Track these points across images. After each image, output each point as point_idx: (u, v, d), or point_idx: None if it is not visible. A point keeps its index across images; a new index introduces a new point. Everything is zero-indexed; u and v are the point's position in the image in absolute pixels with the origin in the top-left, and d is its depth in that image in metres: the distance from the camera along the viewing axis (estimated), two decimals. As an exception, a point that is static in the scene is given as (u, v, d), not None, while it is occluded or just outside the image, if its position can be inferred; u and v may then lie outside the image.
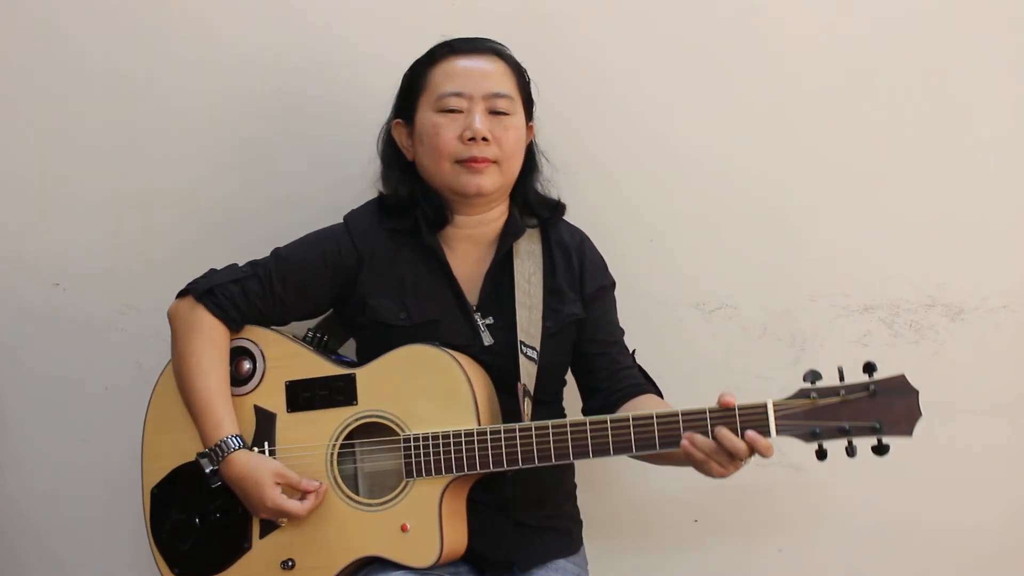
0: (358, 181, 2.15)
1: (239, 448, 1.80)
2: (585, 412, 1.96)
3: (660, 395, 1.94)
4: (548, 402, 1.94)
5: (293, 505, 1.78)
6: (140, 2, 2.28)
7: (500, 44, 1.93)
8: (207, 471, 1.80)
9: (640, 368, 1.97)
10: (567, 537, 1.96)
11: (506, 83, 1.89)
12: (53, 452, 2.32)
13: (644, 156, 2.25)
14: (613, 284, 2.00)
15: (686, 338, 2.26)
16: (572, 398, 2.01)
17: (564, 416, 1.99)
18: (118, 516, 2.27)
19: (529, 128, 1.95)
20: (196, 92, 2.27)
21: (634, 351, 1.99)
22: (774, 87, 2.23)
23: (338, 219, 1.95)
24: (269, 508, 1.78)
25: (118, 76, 2.28)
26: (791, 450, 2.26)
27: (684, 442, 1.66)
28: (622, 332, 2.00)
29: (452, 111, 1.86)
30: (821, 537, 2.27)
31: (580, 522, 2.01)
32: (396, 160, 1.95)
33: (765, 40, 2.23)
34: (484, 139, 1.84)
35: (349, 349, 2.01)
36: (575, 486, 2.01)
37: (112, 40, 2.28)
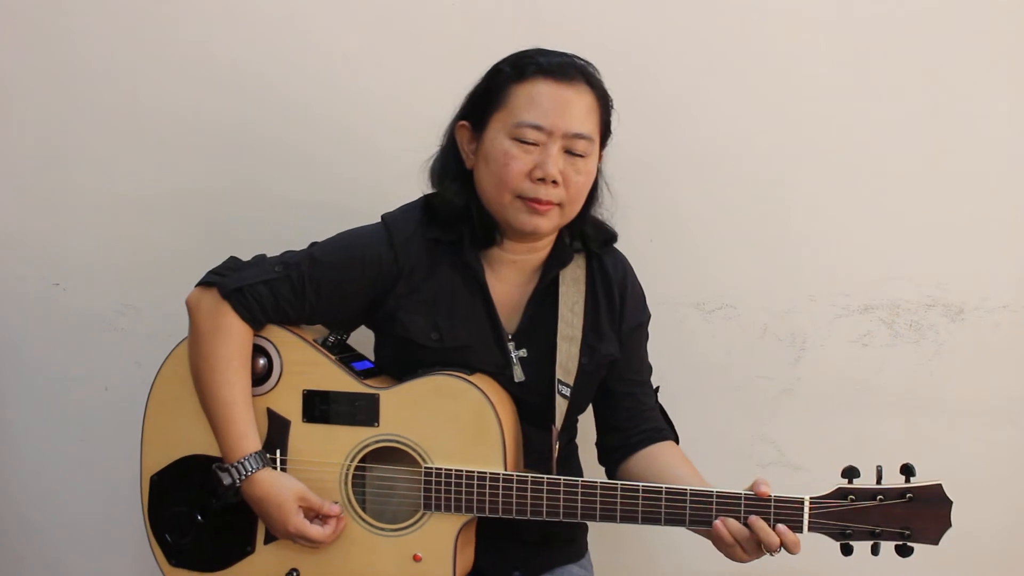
0: (361, 183, 2.16)
1: (262, 467, 1.74)
2: (600, 446, 1.94)
3: (677, 440, 1.91)
4: (565, 429, 1.88)
5: (316, 531, 1.72)
6: (143, 1, 2.28)
7: (591, 66, 1.77)
8: (225, 484, 1.74)
9: (662, 409, 1.93)
10: (572, 544, 1.95)
11: (589, 121, 1.74)
12: (53, 452, 2.32)
13: (644, 156, 2.25)
14: (649, 318, 1.94)
15: (686, 338, 2.26)
16: (582, 417, 2.01)
17: (576, 437, 1.97)
18: (118, 516, 2.27)
19: (599, 157, 1.83)
20: (196, 92, 2.27)
21: (657, 388, 1.95)
22: (774, 87, 2.23)
23: (343, 221, 1.88)
24: (291, 533, 1.73)
25: (119, 76, 2.27)
26: (792, 451, 2.28)
27: (717, 523, 1.64)
28: (650, 370, 1.94)
29: (527, 143, 1.71)
30: (821, 537, 2.27)
31: (585, 527, 1.99)
32: (455, 164, 1.81)
33: (765, 41, 2.23)
34: (554, 182, 1.72)
35: (364, 343, 2.00)
36: None
37: (112, 39, 2.27)
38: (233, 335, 1.76)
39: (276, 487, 1.74)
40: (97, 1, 2.27)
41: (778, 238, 2.25)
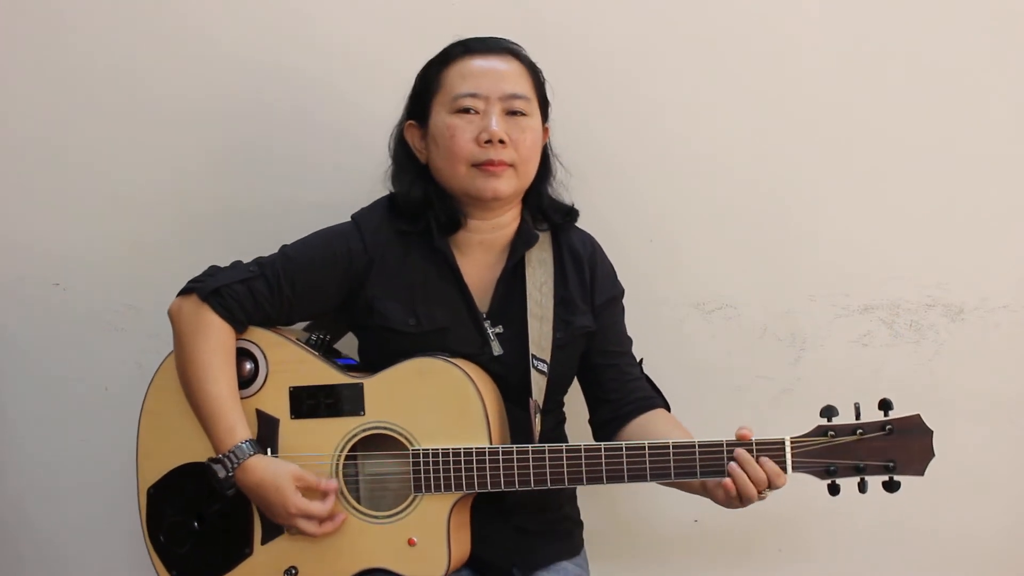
0: (361, 181, 2.15)
1: (254, 454, 1.76)
2: (592, 423, 1.95)
3: (668, 407, 1.94)
4: (551, 410, 1.91)
5: (316, 507, 1.74)
6: (146, 1, 2.28)
7: (515, 44, 1.88)
8: (220, 477, 1.74)
9: (648, 379, 1.96)
10: (568, 539, 1.95)
11: (522, 83, 1.84)
12: (53, 452, 2.32)
13: (644, 156, 2.25)
14: (622, 293, 1.98)
15: (686, 338, 2.26)
16: (572, 403, 2.01)
17: (564, 421, 1.98)
18: (118, 516, 2.27)
19: (545, 130, 1.91)
20: (197, 92, 2.27)
21: (641, 360, 1.98)
22: (774, 87, 2.23)
23: (341, 218, 1.92)
24: (292, 513, 1.73)
25: (119, 75, 2.27)
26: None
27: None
28: (630, 342, 1.98)
29: (468, 111, 1.80)
30: (821, 537, 2.27)
31: (581, 523, 2.01)
32: (409, 162, 1.90)
33: (765, 40, 2.23)
34: (501, 141, 1.79)
35: (347, 345, 2.01)
36: (575, 487, 2.01)
37: (112, 39, 2.27)
38: (214, 332, 1.79)
39: (271, 470, 1.75)
40: (95, 7, 2.27)
41: (778, 238, 2.25)
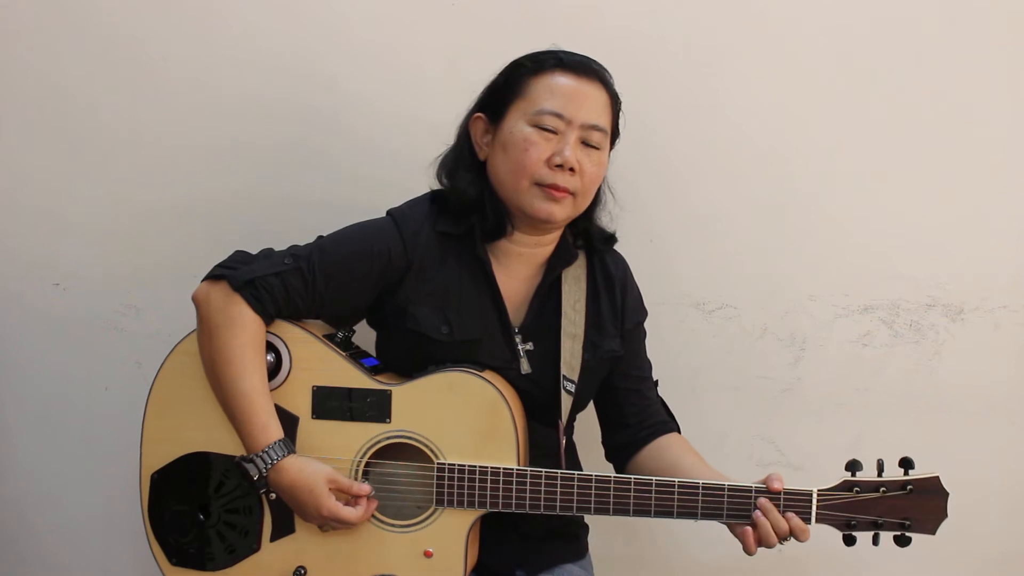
0: (361, 182, 2.16)
1: (288, 454, 1.73)
2: (607, 445, 1.95)
3: (679, 431, 1.94)
4: (566, 426, 1.88)
5: (349, 513, 1.71)
6: (142, 5, 2.27)
7: (606, 70, 1.82)
8: (254, 478, 1.72)
9: (662, 401, 1.96)
10: (574, 542, 1.95)
11: (604, 116, 1.79)
12: (53, 452, 2.32)
13: (644, 156, 2.25)
14: (646, 316, 1.98)
15: (686, 338, 2.26)
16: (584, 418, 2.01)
17: (573, 435, 1.97)
18: (118, 516, 2.27)
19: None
20: (196, 92, 2.27)
21: (656, 382, 1.97)
22: (774, 88, 2.23)
23: (343, 220, 1.87)
24: (325, 516, 1.71)
25: (118, 75, 2.27)
26: (792, 451, 2.28)
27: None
28: (651, 366, 1.97)
29: (547, 130, 1.75)
30: (821, 537, 2.27)
31: (586, 527, 2.00)
32: (469, 156, 1.84)
33: (765, 41, 2.23)
34: (571, 169, 1.75)
35: (365, 337, 1.99)
36: None
37: (114, 38, 2.27)
38: (248, 326, 1.74)
39: (305, 472, 1.72)
40: (98, 4, 2.27)
41: (778, 238, 2.25)
